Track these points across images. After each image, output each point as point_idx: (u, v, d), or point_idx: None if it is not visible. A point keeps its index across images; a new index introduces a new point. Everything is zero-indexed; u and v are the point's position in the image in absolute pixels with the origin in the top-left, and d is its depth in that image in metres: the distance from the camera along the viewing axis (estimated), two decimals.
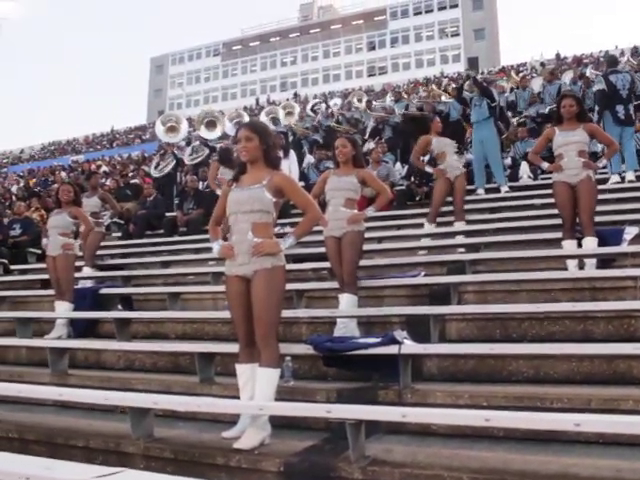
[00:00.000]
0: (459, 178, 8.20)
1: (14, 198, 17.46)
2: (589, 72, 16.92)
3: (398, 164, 12.31)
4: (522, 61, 44.06)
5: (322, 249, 6.42)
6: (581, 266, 6.18)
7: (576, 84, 13.91)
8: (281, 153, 10.73)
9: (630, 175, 9.48)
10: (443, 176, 8.17)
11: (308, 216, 4.24)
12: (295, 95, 49.20)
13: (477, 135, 10.56)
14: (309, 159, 13.32)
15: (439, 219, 8.41)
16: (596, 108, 10.28)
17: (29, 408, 5.32)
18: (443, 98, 14.29)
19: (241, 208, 4.02)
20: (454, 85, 21.54)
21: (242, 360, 4.15)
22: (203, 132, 14.73)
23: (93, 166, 23.57)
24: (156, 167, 14.28)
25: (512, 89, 16.07)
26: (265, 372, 3.99)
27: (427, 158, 9.16)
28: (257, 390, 4.02)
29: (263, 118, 17.26)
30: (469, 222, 8.48)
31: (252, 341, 4.07)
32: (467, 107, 11.07)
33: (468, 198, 9.84)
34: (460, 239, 7.88)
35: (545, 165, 6.71)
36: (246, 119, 15.50)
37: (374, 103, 18.30)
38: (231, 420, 4.24)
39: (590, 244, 6.05)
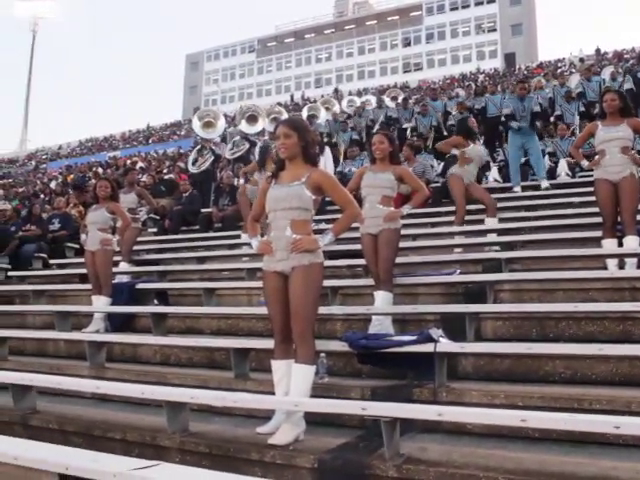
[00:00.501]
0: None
1: (53, 194, 17.73)
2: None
3: (435, 161, 12.23)
4: (560, 57, 43.48)
5: (357, 246, 6.41)
6: (621, 266, 6.08)
7: (615, 80, 13.65)
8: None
9: None
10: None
11: (347, 213, 4.23)
12: (335, 91, 49.11)
13: (517, 134, 10.44)
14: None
15: (472, 217, 8.35)
16: None
17: (68, 400, 5.43)
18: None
19: (280, 205, 4.04)
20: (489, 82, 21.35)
21: (277, 356, 4.17)
22: (244, 126, 14.77)
23: (129, 162, 23.83)
24: (194, 163, 14.35)
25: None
26: (301, 368, 4.00)
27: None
28: (292, 386, 4.03)
29: (305, 115, 17.30)
30: (506, 220, 8.39)
31: (288, 337, 4.08)
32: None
33: (504, 196, 9.77)
34: (493, 237, 7.81)
35: (585, 163, 6.61)
36: (285, 115, 15.53)
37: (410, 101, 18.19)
38: (266, 416, 4.26)
39: (632, 243, 5.94)
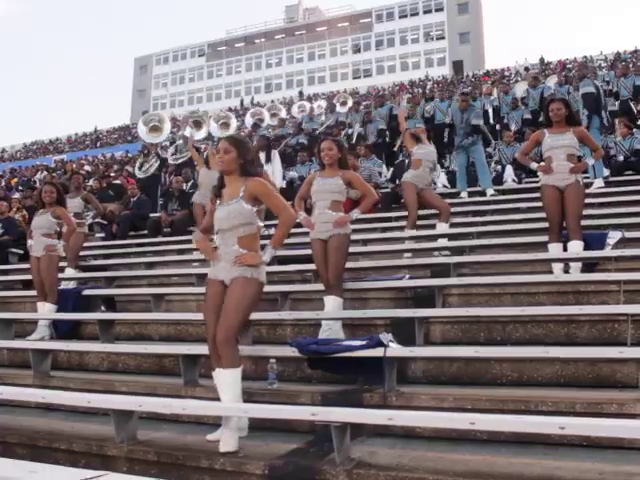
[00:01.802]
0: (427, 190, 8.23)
1: None
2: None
3: (384, 167, 12.33)
4: (506, 65, 44.40)
5: (307, 251, 6.41)
6: (566, 270, 6.22)
7: (562, 86, 13.99)
8: (264, 156, 10.74)
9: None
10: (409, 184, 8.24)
11: (281, 220, 4.32)
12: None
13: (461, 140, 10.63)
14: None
15: (424, 222, 8.46)
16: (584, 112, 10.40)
17: (11, 410, 5.27)
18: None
19: (223, 225, 4.17)
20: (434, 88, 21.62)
21: (215, 364, 4.19)
22: (188, 132, 14.67)
23: (75, 166, 23.38)
24: (140, 168, 14.18)
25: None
26: (227, 372, 4.07)
27: None
28: (223, 392, 4.11)
29: (248, 119, 17.26)
30: (454, 225, 8.51)
31: None
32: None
33: (452, 201, 9.91)
34: (443, 242, 7.92)
35: (534, 165, 6.74)
36: (233, 120, 15.47)
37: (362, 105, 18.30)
38: (215, 423, 4.23)
39: (576, 247, 6.08)
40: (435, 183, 11.21)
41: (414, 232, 8.13)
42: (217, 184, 4.33)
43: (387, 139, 13.50)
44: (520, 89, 16.21)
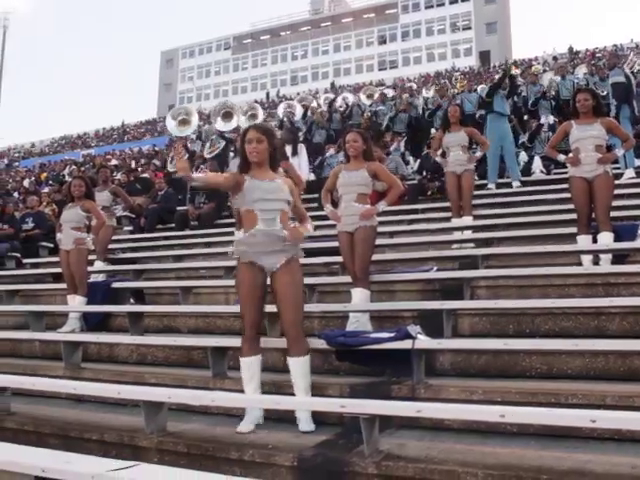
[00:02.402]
0: (465, 174, 8.13)
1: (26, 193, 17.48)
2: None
3: (411, 159, 12.28)
4: (534, 55, 43.85)
5: (333, 243, 6.42)
6: (596, 262, 6.15)
7: (594, 75, 13.77)
8: (290, 150, 10.70)
9: None
10: (448, 170, 8.18)
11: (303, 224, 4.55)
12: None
13: (495, 128, 10.51)
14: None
15: (449, 214, 8.42)
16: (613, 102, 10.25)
17: (43, 401, 5.35)
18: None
19: (271, 196, 4.21)
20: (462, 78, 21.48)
21: (248, 352, 4.29)
22: (219, 124, 14.73)
23: (101, 160, 23.62)
24: (171, 161, 14.30)
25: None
26: (303, 360, 4.25)
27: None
28: (299, 381, 4.21)
29: (280, 111, 17.26)
30: (481, 217, 8.45)
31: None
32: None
33: (479, 193, 9.82)
34: (468, 234, 7.86)
35: (562, 157, 6.66)
36: (260, 111, 15.50)
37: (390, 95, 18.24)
38: (244, 414, 4.25)
39: (606, 239, 6.01)
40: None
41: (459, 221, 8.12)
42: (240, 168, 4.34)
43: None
44: (547, 79, 16.01)
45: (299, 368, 4.22)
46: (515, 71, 12.88)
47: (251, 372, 4.24)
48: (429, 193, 10.69)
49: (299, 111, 16.77)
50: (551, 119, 12.40)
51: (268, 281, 4.26)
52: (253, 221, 4.20)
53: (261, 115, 15.47)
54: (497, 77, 11.85)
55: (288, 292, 4.19)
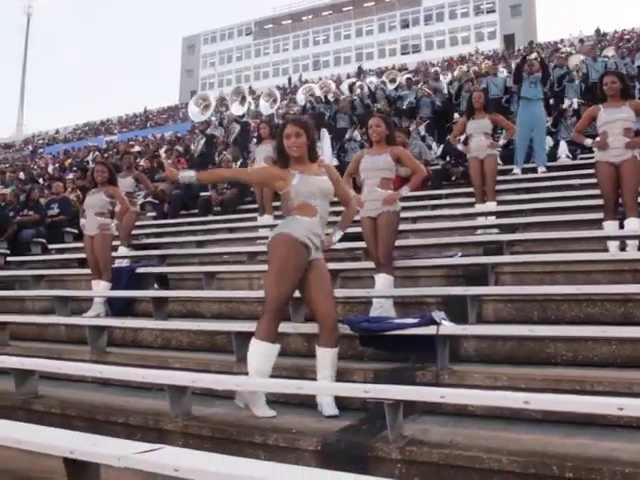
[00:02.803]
0: (488, 159, 8.05)
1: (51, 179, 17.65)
2: None
3: (434, 144, 12.19)
4: (560, 38, 43.22)
5: (356, 229, 6.39)
6: (622, 247, 6.07)
7: (624, 57, 13.55)
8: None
9: None
10: (471, 156, 8.12)
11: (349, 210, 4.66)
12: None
13: (526, 113, 10.38)
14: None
15: (472, 199, 8.37)
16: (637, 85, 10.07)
17: (70, 384, 5.43)
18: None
19: (326, 197, 4.26)
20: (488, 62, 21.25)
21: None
22: (235, 108, 14.78)
23: (124, 146, 23.73)
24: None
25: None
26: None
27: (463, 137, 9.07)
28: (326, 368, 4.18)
29: (300, 96, 17.27)
30: (505, 202, 8.38)
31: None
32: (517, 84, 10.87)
33: (504, 178, 9.74)
34: (492, 220, 7.81)
35: (589, 141, 6.56)
36: (277, 93, 15.53)
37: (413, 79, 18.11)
38: (268, 399, 4.26)
39: (634, 225, 5.93)
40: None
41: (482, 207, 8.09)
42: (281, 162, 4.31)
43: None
44: (574, 62, 15.77)
45: (329, 358, 4.18)
46: (533, 55, 12.65)
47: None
48: (453, 178, 10.62)
49: (318, 93, 16.79)
50: (575, 103, 12.23)
51: None
52: (313, 211, 4.20)
53: (279, 97, 15.53)
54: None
55: (325, 283, 4.20)
